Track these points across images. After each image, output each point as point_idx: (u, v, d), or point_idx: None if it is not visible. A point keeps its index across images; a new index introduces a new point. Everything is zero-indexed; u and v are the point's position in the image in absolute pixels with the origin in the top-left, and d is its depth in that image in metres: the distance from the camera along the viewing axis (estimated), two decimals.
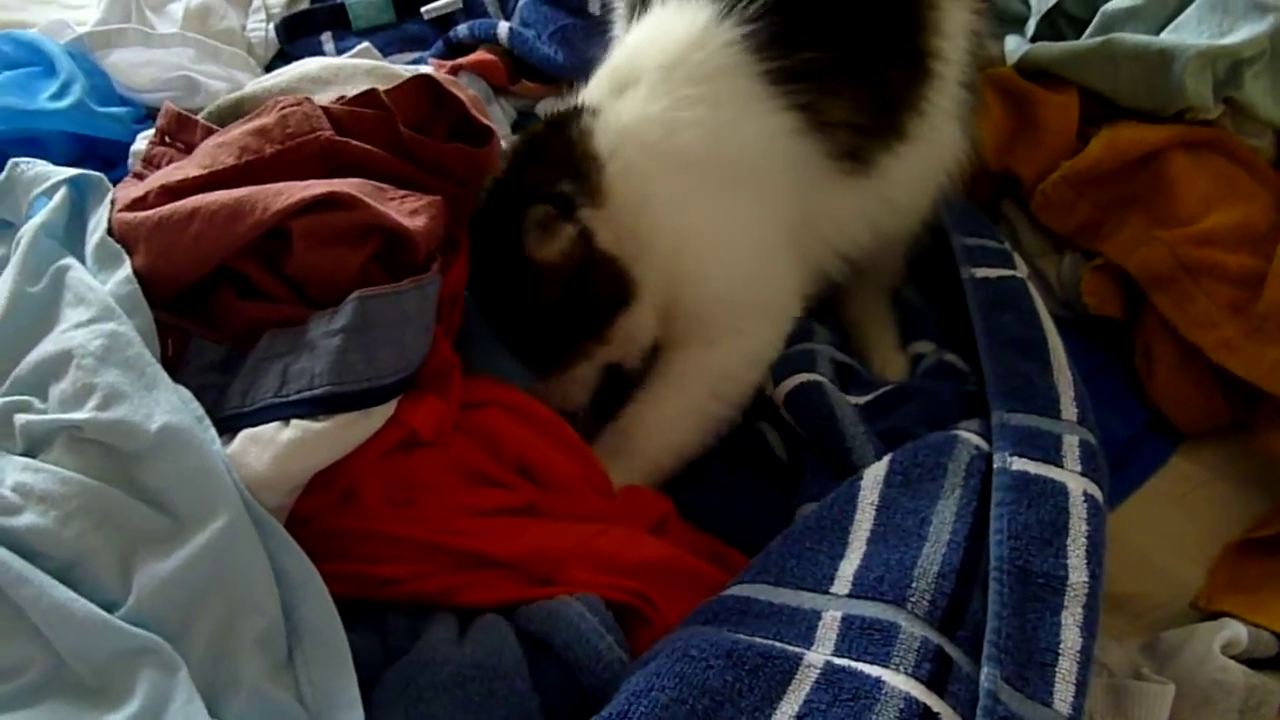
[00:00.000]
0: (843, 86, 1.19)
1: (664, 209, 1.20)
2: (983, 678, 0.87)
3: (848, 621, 0.92)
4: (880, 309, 1.40)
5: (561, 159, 1.22)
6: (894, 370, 1.32)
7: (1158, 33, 1.43)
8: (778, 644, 0.90)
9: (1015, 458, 1.02)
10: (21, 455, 0.98)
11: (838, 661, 0.88)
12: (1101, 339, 1.31)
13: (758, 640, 0.90)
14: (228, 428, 1.00)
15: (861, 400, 1.19)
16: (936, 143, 1.27)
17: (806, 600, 0.96)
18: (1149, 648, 1.04)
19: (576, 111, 1.26)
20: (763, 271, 1.24)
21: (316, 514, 1.02)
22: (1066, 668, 0.89)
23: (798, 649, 0.89)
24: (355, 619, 0.96)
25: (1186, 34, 1.40)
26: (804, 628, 0.93)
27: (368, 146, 1.19)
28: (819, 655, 0.89)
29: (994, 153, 1.42)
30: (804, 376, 1.20)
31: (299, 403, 0.99)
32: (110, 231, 1.13)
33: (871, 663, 0.88)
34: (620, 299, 1.20)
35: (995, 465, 1.02)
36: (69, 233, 1.16)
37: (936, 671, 0.88)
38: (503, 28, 1.76)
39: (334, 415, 0.98)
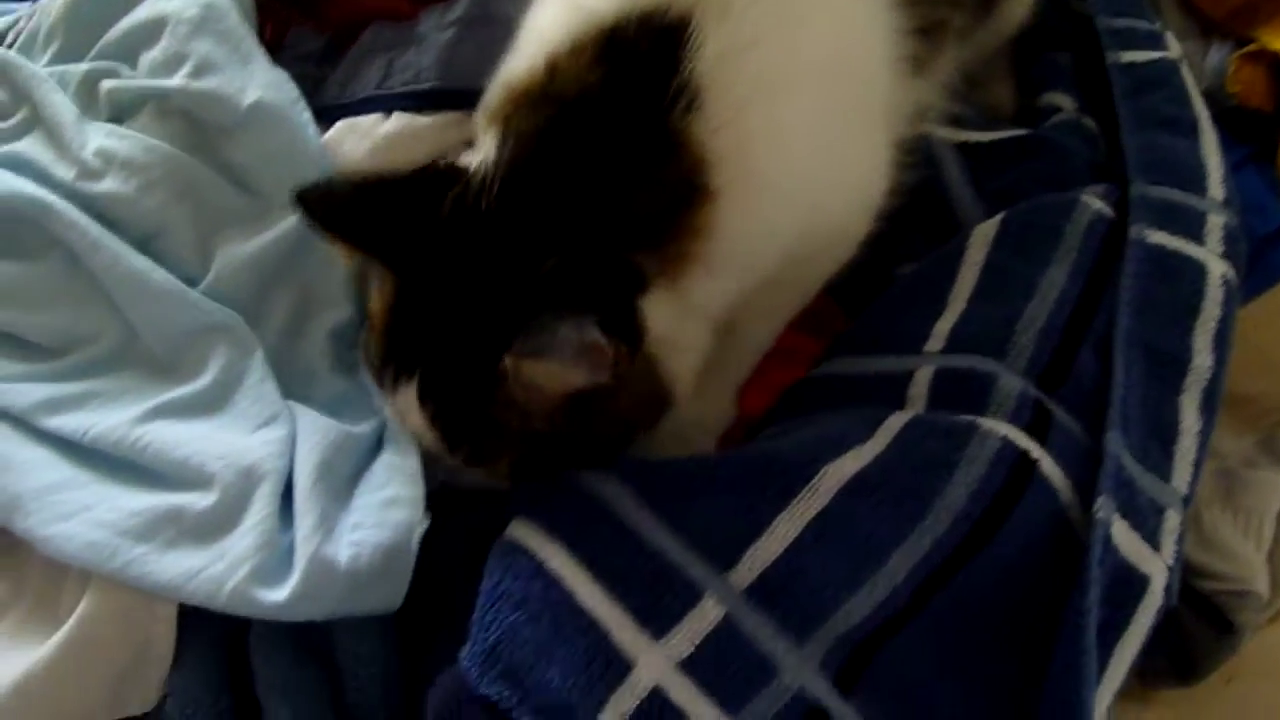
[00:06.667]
0: None
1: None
2: (1107, 441, 0.81)
3: (941, 375, 0.88)
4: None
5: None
6: (1002, 94, 1.20)
7: None
8: (862, 408, 0.86)
9: (1153, 230, 0.96)
10: (106, 122, 0.94)
11: (926, 416, 0.83)
12: (1245, 134, 1.22)
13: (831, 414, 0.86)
14: (324, 118, 0.96)
15: (985, 139, 1.10)
16: None
17: (897, 363, 0.91)
18: (1266, 443, 1.00)
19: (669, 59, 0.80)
20: None
21: None
22: (1186, 446, 0.85)
23: (883, 411, 0.84)
24: None
25: None
26: (893, 390, 0.88)
27: None
28: (907, 413, 0.84)
29: None
30: None
31: (402, 96, 0.95)
32: None
33: (967, 412, 0.83)
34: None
35: (1131, 236, 0.95)
36: None
37: (1036, 421, 0.83)
38: None
39: (438, 112, 0.94)
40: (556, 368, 0.74)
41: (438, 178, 0.80)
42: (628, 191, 0.79)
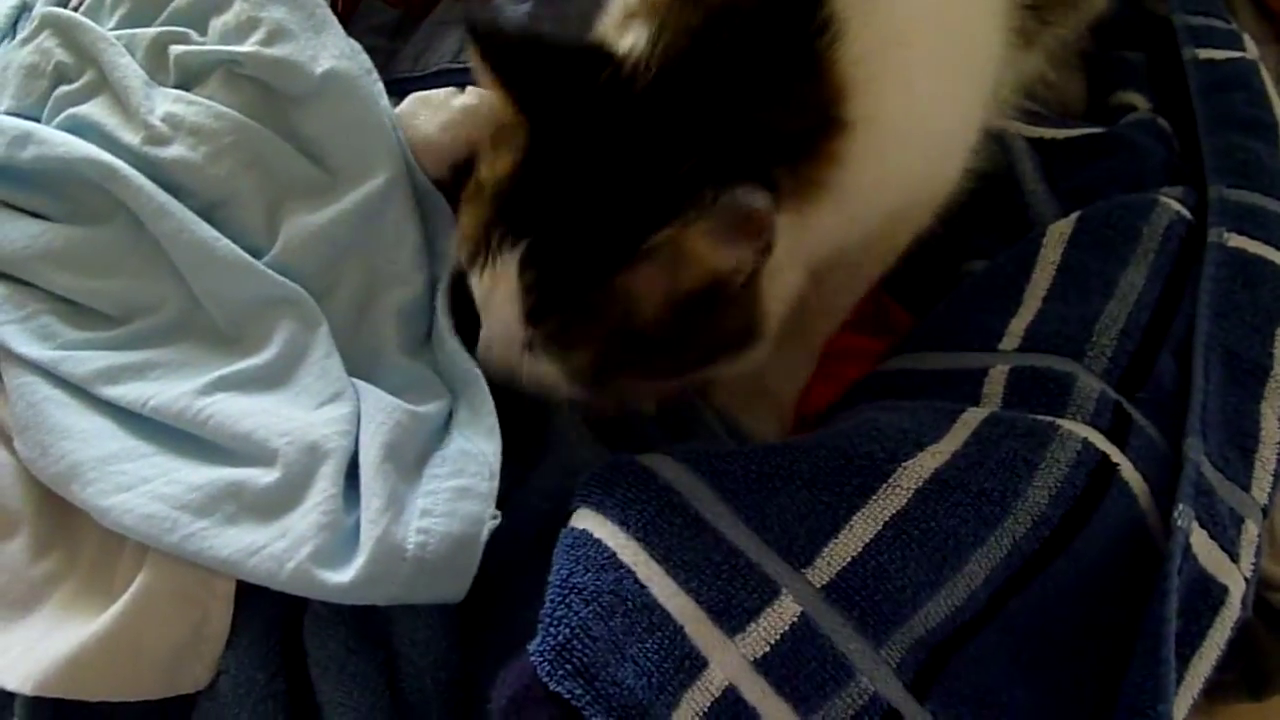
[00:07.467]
0: None
1: None
2: (1187, 448, 0.80)
3: (1016, 373, 0.86)
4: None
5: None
6: (1072, 91, 1.18)
7: None
8: (936, 401, 0.84)
9: (1233, 234, 0.94)
10: (175, 88, 0.92)
11: (1005, 414, 0.81)
12: None
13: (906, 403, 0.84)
14: (395, 91, 0.95)
15: (1060, 136, 1.08)
16: None
17: (971, 360, 0.89)
18: None
19: None
20: None
21: None
22: (1266, 456, 0.83)
23: (959, 406, 0.83)
24: None
25: None
26: (967, 386, 0.86)
27: None
28: (983, 410, 0.82)
29: None
30: None
31: None
32: None
33: (1045, 413, 0.81)
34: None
35: (1210, 239, 0.94)
36: None
37: (1116, 425, 0.81)
38: None
39: None
40: (717, 238, 0.74)
41: (595, 55, 0.80)
42: (774, 106, 0.78)
